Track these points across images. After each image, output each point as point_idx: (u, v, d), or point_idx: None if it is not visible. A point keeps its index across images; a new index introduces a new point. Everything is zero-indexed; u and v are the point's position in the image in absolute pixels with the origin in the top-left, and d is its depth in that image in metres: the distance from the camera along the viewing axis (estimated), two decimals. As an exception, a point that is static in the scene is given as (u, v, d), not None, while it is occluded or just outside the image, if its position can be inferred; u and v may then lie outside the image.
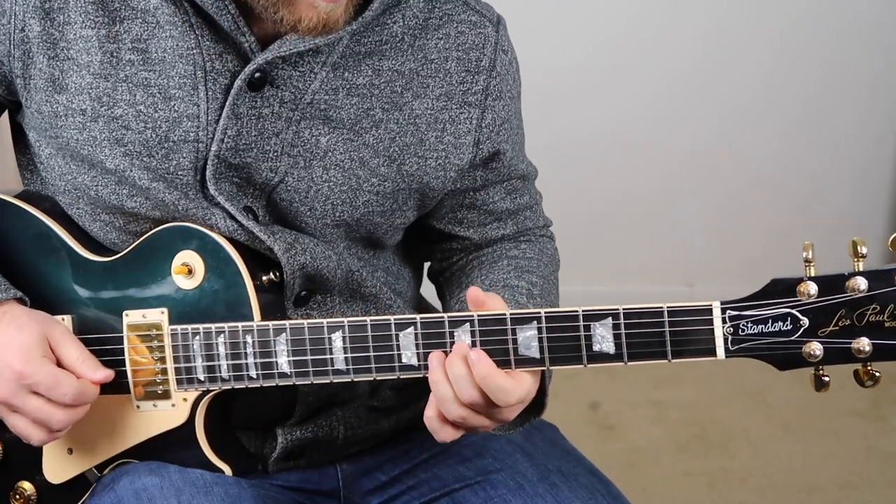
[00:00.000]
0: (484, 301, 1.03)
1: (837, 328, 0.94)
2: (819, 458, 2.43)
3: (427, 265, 1.35)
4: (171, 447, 1.12)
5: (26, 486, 1.16)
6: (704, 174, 3.07)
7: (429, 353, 1.04)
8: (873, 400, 2.66)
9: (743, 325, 0.96)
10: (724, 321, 0.96)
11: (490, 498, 1.16)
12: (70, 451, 1.14)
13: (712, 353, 0.97)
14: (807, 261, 0.96)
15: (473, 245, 1.27)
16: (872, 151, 3.08)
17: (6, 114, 1.21)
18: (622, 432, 2.50)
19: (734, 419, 2.59)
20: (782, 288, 0.95)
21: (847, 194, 3.09)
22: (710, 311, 0.97)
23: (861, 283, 0.94)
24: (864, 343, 0.94)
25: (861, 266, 0.95)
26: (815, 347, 0.95)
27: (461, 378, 1.01)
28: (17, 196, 1.19)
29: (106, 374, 1.08)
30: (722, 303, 0.97)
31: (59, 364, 1.07)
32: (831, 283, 0.94)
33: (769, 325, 0.95)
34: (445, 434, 1.05)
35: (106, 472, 1.14)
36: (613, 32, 2.97)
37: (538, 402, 1.09)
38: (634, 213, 3.08)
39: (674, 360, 0.98)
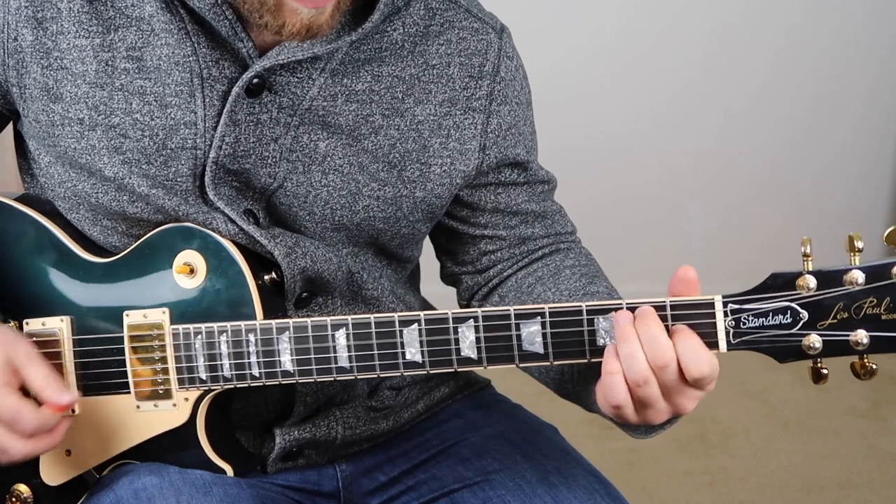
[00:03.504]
0: (695, 285, 0.98)
1: (836, 321, 0.95)
2: (819, 458, 2.44)
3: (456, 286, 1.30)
4: (171, 448, 1.12)
5: (22, 488, 1.15)
6: (706, 177, 3.08)
7: (433, 350, 1.04)
8: (873, 400, 2.66)
9: (744, 318, 0.96)
10: (725, 314, 0.97)
11: (489, 498, 1.15)
12: (68, 452, 1.14)
13: (714, 346, 0.97)
14: (805, 255, 0.97)
15: (506, 245, 1.25)
16: (873, 156, 3.09)
17: (10, 125, 1.21)
18: (622, 432, 2.49)
19: (734, 419, 2.59)
20: (782, 282, 0.96)
21: (848, 197, 3.10)
22: (711, 304, 0.97)
23: (858, 276, 0.95)
24: (861, 335, 0.95)
25: (858, 260, 0.96)
26: (815, 340, 0.96)
27: (654, 335, 0.95)
28: (17, 199, 1.19)
29: (71, 398, 1.06)
30: (724, 296, 0.97)
31: (26, 386, 1.06)
32: (830, 277, 0.95)
33: (770, 318, 0.96)
34: (620, 398, 0.98)
35: (104, 473, 1.14)
36: (615, 36, 2.98)
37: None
38: (636, 215, 3.09)
39: (677, 354, 0.98)
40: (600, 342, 1.00)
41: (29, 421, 1.03)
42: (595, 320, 1.00)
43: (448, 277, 1.30)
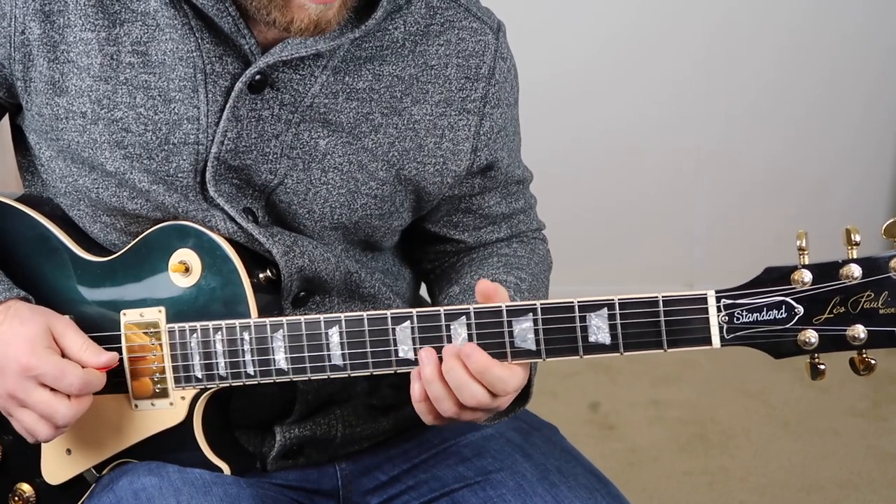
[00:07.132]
0: (493, 294, 1.03)
1: (832, 315, 0.95)
2: (819, 458, 2.43)
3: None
4: (169, 446, 1.12)
5: (25, 487, 1.16)
6: (704, 177, 3.09)
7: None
8: (873, 400, 2.66)
9: (738, 313, 0.96)
10: (718, 310, 0.97)
11: (489, 498, 1.15)
12: (69, 451, 1.14)
13: (707, 341, 0.97)
14: (800, 249, 0.96)
15: (467, 247, 1.27)
16: (873, 156, 3.09)
17: (6, 116, 1.21)
18: (622, 432, 2.50)
19: (734, 419, 2.59)
20: (776, 276, 0.96)
21: (848, 197, 3.10)
22: (704, 300, 0.97)
23: (855, 270, 0.94)
24: (858, 330, 0.95)
25: (855, 254, 0.95)
26: (811, 335, 0.96)
27: (462, 382, 1.01)
28: (18, 199, 1.19)
29: (109, 358, 1.08)
30: (717, 291, 0.97)
31: (64, 355, 1.08)
32: (825, 271, 0.95)
33: (764, 313, 0.96)
34: (433, 421, 1.07)
35: (104, 472, 1.14)
36: (615, 36, 2.98)
37: (525, 391, 1.10)
38: (635, 215, 3.09)
39: (669, 350, 0.98)
40: (592, 338, 1.00)
41: (74, 377, 1.05)
42: (587, 316, 1.00)
43: (414, 258, 1.32)
